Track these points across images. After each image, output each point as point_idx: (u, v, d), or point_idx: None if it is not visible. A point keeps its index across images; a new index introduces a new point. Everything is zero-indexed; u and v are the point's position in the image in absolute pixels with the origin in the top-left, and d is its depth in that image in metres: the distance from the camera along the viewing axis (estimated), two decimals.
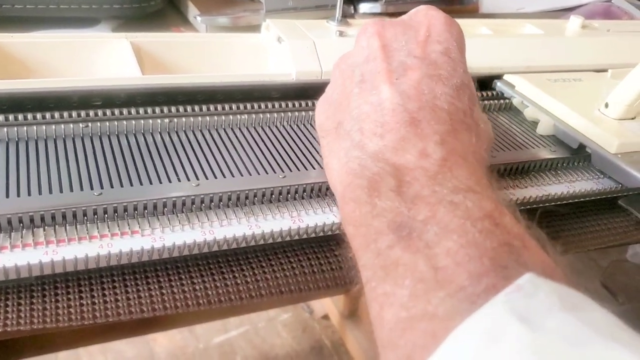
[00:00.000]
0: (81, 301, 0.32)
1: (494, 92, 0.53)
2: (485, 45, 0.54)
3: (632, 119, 0.48)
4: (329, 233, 0.36)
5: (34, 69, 0.42)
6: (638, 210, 0.42)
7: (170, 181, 0.34)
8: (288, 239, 0.35)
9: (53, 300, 0.31)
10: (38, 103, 0.38)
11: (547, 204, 0.41)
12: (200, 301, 0.34)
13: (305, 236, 0.35)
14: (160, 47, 0.46)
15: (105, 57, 0.44)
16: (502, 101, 0.52)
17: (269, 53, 0.49)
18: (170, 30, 0.63)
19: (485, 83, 0.54)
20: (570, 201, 0.42)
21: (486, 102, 0.51)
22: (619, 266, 1.12)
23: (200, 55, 0.47)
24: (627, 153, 0.44)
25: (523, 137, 0.47)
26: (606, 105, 0.48)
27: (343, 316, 1.32)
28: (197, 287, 0.34)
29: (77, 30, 0.58)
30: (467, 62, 0.35)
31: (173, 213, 0.33)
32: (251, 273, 0.35)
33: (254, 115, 0.42)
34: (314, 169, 0.38)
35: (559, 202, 0.41)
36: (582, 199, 0.42)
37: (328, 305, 1.34)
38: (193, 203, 0.34)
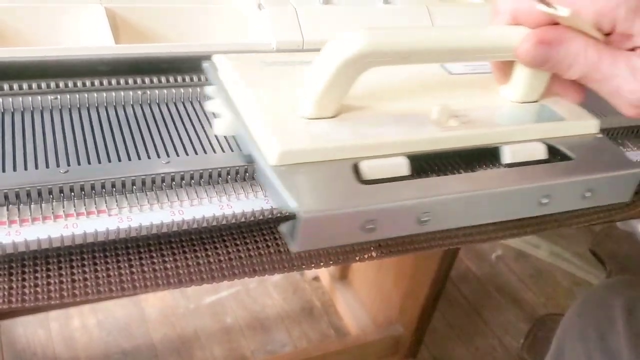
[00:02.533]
0: (48, 280, 0.31)
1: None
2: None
3: (332, 117, 0.36)
4: None
5: None
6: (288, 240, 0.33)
7: (139, 158, 0.33)
8: (261, 218, 0.34)
9: (20, 279, 0.31)
10: (1, 73, 0.36)
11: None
12: (171, 280, 0.33)
13: (279, 215, 0.34)
14: (137, 13, 0.45)
15: (77, 25, 0.42)
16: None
17: (249, 21, 0.47)
18: None
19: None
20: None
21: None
22: (609, 233, 1.12)
23: (180, 22, 0.46)
24: (293, 165, 0.33)
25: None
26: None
27: (333, 278, 1.33)
28: (168, 266, 0.33)
29: None
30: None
31: (142, 191, 0.32)
32: (225, 252, 0.35)
33: None
34: None
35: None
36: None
37: None
38: (163, 181, 0.33)
